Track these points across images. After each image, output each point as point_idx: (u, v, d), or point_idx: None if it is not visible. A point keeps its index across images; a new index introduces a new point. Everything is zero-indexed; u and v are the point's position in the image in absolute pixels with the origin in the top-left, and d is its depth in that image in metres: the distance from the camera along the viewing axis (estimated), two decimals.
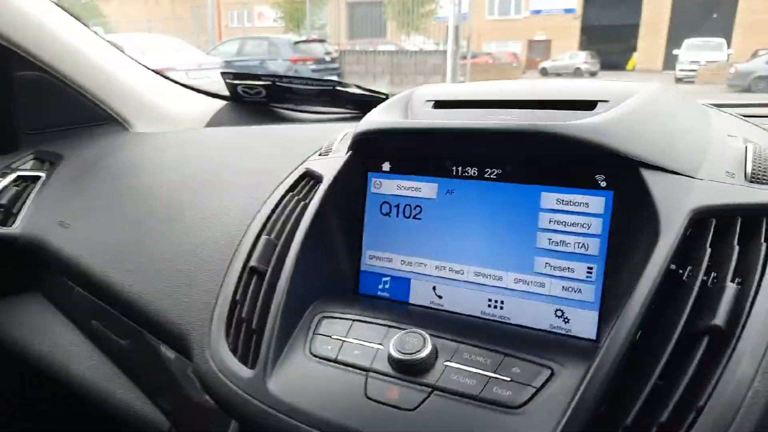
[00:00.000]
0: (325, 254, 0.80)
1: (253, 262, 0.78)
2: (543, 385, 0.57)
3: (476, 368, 0.60)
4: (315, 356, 0.68)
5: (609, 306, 0.66)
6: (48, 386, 1.17)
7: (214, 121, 1.67)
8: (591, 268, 0.68)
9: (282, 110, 1.76)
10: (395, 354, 0.62)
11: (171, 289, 0.85)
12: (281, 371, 0.67)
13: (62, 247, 1.07)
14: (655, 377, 0.53)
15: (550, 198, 0.70)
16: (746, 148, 0.71)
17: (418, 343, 0.62)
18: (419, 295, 0.78)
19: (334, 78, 1.75)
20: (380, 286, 0.81)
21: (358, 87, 1.68)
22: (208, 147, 1.21)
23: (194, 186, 1.04)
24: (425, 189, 0.78)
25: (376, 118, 0.76)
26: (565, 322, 0.69)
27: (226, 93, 1.74)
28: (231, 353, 0.71)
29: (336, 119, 1.70)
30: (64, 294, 1.14)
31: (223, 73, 1.68)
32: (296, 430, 0.62)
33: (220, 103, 1.75)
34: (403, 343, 0.63)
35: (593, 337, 0.67)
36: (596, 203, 0.68)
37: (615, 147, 0.63)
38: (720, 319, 0.54)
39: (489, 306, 0.74)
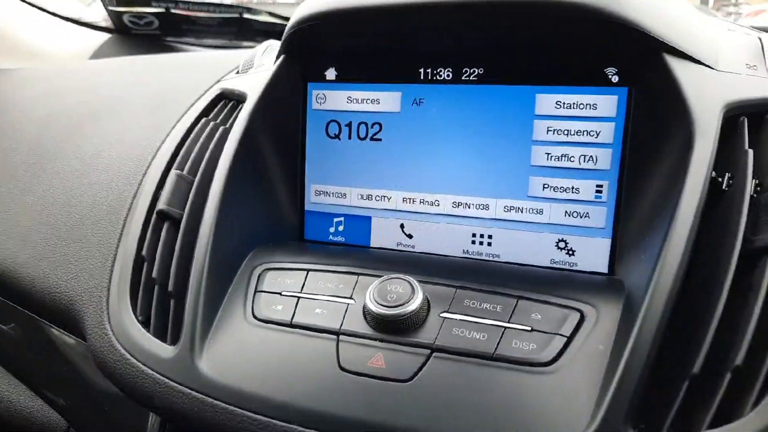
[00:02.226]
0: (258, 192, 0.61)
1: (161, 205, 0.58)
2: (574, 333, 0.44)
3: (484, 318, 0.45)
4: (261, 321, 0.50)
5: (625, 232, 0.54)
6: None
7: (97, 58, 1.39)
8: (601, 186, 0.55)
9: (179, 45, 1.50)
10: (375, 308, 0.46)
11: (48, 249, 0.63)
12: (215, 345, 0.49)
13: None
14: (720, 311, 0.41)
15: (547, 101, 0.56)
16: (760, 39, 0.60)
17: (405, 291, 0.46)
18: (383, 236, 0.62)
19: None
20: (332, 230, 0.64)
21: (271, 14, 1.45)
22: (89, 79, 0.97)
23: (71, 121, 0.80)
24: (385, 100, 0.61)
25: (318, 1, 0.57)
26: (570, 255, 0.56)
27: (110, 25, 1.46)
28: (141, 327, 0.52)
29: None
30: None
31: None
32: (244, 421, 0.44)
33: (104, 37, 1.46)
34: (383, 292, 0.47)
35: (604, 270, 0.55)
36: (607, 104, 0.54)
37: (641, 23, 0.49)
38: None
39: (473, 242, 0.59)
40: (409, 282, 0.47)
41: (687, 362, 0.40)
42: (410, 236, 0.61)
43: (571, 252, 0.56)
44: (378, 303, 0.46)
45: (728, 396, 0.38)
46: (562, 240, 0.56)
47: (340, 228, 0.64)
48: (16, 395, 0.74)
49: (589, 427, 0.39)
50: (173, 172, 0.61)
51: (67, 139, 0.76)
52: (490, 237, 0.58)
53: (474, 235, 0.59)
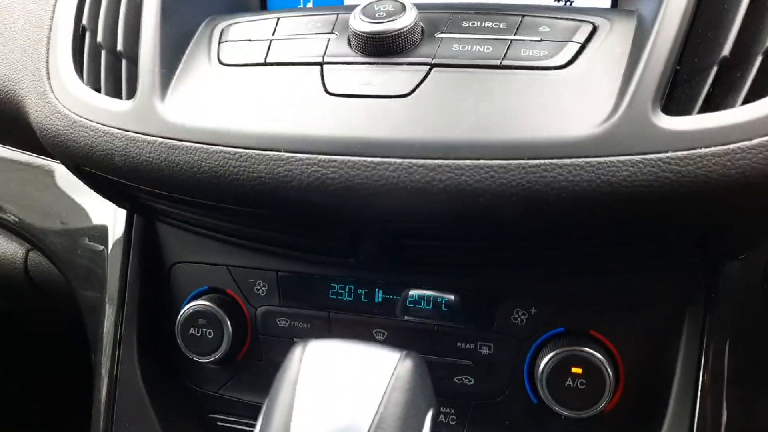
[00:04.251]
0: None
1: None
2: (587, 41, 0.39)
3: (488, 34, 0.40)
4: (229, 65, 0.43)
5: None
6: None
7: None
8: None
9: None
10: (360, 26, 0.40)
11: None
12: (177, 94, 0.43)
13: None
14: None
15: None
16: None
17: (395, 9, 0.40)
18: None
19: None
20: (300, 7, 0.56)
21: None
22: None
23: None
24: None
25: None
26: (568, 3, 0.51)
27: None
28: (91, 90, 0.45)
29: None
30: None
31: None
32: (223, 158, 0.39)
33: None
34: (371, 11, 0.40)
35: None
36: None
37: None
38: None
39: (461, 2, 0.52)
40: (399, 1, 0.41)
41: (715, 48, 0.36)
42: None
43: (569, 1, 0.50)
44: (365, 20, 0.40)
45: (758, 78, 0.35)
46: None
47: (309, 5, 0.56)
48: None
49: (614, 113, 0.35)
50: None
51: None
52: None
53: None
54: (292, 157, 0.38)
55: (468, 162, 0.35)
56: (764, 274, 0.43)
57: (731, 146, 0.33)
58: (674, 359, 0.44)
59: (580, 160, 0.34)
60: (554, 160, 0.34)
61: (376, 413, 0.29)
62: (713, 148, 0.33)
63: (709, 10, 0.38)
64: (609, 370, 0.43)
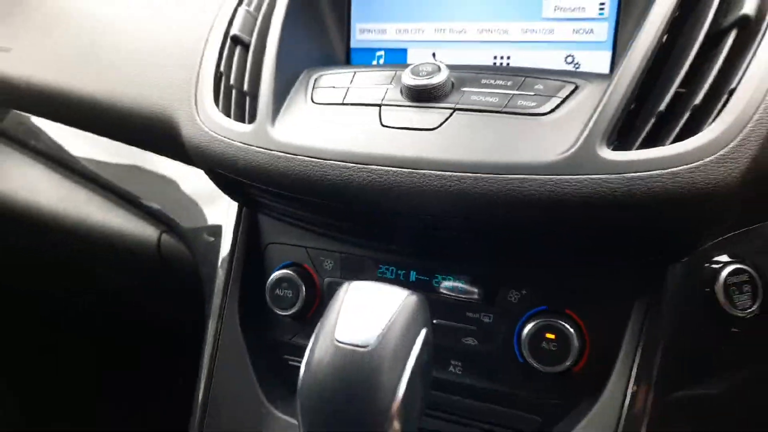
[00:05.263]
0: (311, 27, 0.73)
1: (234, 31, 0.71)
2: (568, 96, 0.55)
3: (498, 89, 0.57)
4: (319, 103, 0.63)
5: (623, 43, 0.63)
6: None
7: None
8: (603, 4, 0.64)
9: None
10: (409, 81, 0.58)
11: (141, 75, 0.78)
12: (283, 121, 0.63)
13: (6, 70, 0.96)
14: (686, 67, 0.51)
15: None
16: None
17: (433, 69, 0.58)
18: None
19: None
20: (374, 63, 0.75)
21: None
22: None
23: None
24: None
25: None
26: (576, 68, 0.66)
27: None
28: (225, 116, 0.66)
29: None
30: (21, 127, 1.05)
31: None
32: (308, 165, 0.58)
33: None
34: (416, 70, 0.59)
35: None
36: None
37: None
38: (749, 7, 0.51)
39: (494, 63, 0.69)
40: (437, 64, 0.59)
41: (657, 103, 0.51)
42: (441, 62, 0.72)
43: (577, 65, 0.66)
44: (412, 76, 0.58)
45: (685, 126, 0.49)
46: (570, 55, 0.66)
47: (381, 61, 0.75)
48: (109, 217, 0.91)
49: (573, 146, 0.50)
50: (242, 8, 0.73)
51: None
52: (509, 57, 0.69)
53: (495, 57, 0.69)
54: (356, 167, 0.56)
55: (469, 175, 0.52)
56: (702, 273, 0.56)
57: (652, 173, 0.48)
58: (622, 338, 0.57)
59: (545, 177, 0.50)
60: (527, 176, 0.50)
61: (387, 325, 0.45)
62: (639, 173, 0.48)
63: (657, 74, 0.53)
64: (575, 337, 0.57)
